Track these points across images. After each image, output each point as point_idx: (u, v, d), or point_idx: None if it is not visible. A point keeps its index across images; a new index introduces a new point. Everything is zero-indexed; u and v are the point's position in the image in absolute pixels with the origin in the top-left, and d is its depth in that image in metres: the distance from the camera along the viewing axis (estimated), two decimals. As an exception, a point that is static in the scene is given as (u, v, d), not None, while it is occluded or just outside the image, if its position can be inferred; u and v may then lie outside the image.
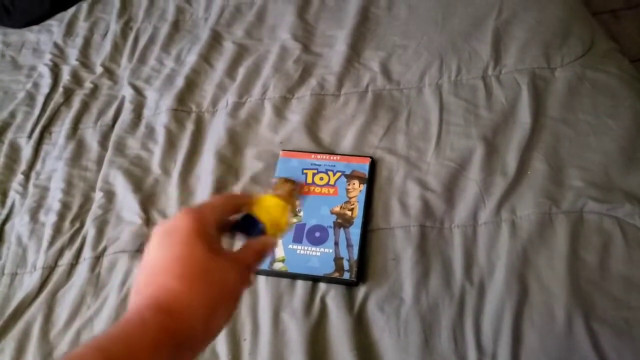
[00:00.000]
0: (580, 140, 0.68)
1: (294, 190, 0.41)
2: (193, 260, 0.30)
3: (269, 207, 0.39)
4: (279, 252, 0.63)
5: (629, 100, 0.72)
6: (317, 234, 0.64)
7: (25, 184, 0.79)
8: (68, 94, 0.92)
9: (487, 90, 0.76)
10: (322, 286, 0.60)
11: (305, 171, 0.70)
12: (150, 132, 0.82)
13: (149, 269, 0.31)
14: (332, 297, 0.59)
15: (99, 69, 0.96)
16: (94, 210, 0.72)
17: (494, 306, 0.56)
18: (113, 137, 0.82)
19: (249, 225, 0.38)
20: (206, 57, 0.92)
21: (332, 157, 0.71)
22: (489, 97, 0.75)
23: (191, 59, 0.92)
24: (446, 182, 0.67)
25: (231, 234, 0.38)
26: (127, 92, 0.89)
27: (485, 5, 0.87)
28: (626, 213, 0.59)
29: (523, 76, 0.76)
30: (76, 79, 0.95)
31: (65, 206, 0.74)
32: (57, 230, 0.71)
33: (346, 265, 0.60)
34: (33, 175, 0.80)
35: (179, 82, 0.88)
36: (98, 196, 0.74)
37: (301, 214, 0.66)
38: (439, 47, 0.84)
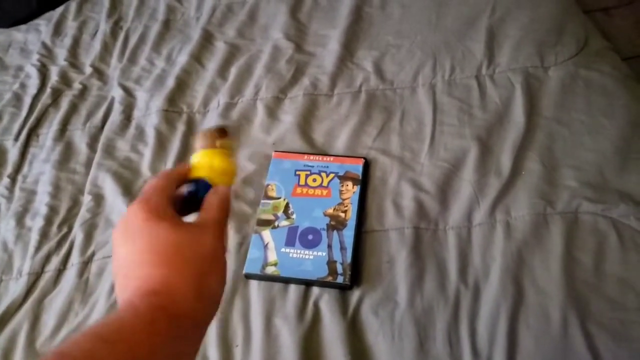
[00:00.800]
0: (574, 140, 0.68)
1: (211, 134, 0.39)
2: (160, 242, 0.30)
3: (198, 162, 0.38)
4: (271, 255, 0.62)
5: (623, 99, 0.72)
6: (310, 237, 0.63)
7: (11, 188, 0.77)
8: (56, 95, 0.90)
9: (480, 90, 0.75)
10: (315, 290, 0.59)
11: (298, 172, 0.69)
12: (140, 133, 0.81)
13: (122, 269, 0.31)
14: (326, 301, 0.58)
15: (88, 70, 0.95)
16: (82, 214, 0.71)
17: (489, 308, 0.55)
18: (102, 139, 0.80)
19: (198, 189, 0.37)
20: (197, 57, 0.91)
21: (325, 158, 0.70)
22: (483, 97, 0.75)
23: (182, 59, 0.91)
24: (440, 183, 0.66)
25: (187, 211, 0.37)
26: (117, 93, 0.88)
27: (479, 4, 0.87)
28: (621, 213, 0.59)
29: (517, 75, 0.76)
30: (65, 80, 0.93)
31: (53, 210, 0.72)
32: (44, 235, 0.70)
33: (339, 268, 0.59)
34: (19, 178, 0.78)
35: (170, 82, 0.87)
36: (86, 200, 0.72)
37: (294, 216, 0.65)
38: (432, 47, 0.83)
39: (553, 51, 0.78)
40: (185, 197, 0.37)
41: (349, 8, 0.93)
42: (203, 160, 0.38)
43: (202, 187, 0.37)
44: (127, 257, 0.31)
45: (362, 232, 0.63)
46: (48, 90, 0.91)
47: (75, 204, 0.73)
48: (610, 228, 0.58)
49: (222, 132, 0.40)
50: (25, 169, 0.79)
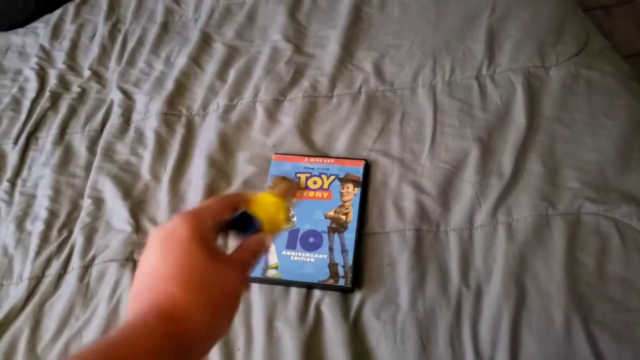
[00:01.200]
0: (576, 140, 0.67)
1: (291, 189, 0.41)
2: (193, 267, 0.30)
3: (265, 204, 0.38)
4: (272, 258, 0.61)
5: (625, 99, 0.71)
6: (311, 240, 0.62)
7: (10, 192, 0.77)
8: (55, 99, 0.90)
9: (481, 90, 0.75)
10: (316, 293, 0.59)
11: (298, 175, 0.69)
12: (140, 136, 0.81)
13: (148, 275, 0.31)
14: (327, 304, 0.58)
15: (86, 73, 0.94)
16: (83, 218, 0.71)
17: (492, 311, 0.55)
18: (101, 142, 0.80)
19: (246, 223, 0.37)
20: (196, 59, 0.91)
21: (325, 160, 0.70)
22: (484, 97, 0.74)
23: (181, 61, 0.90)
24: (441, 184, 0.66)
25: (226, 232, 0.38)
26: (116, 96, 0.88)
27: (479, 3, 0.86)
28: (623, 214, 0.58)
29: (517, 75, 0.75)
30: (63, 83, 0.93)
31: (53, 214, 0.72)
32: (44, 239, 0.69)
33: (341, 271, 0.59)
34: (19, 182, 0.78)
35: (169, 85, 0.86)
36: (86, 203, 0.72)
37: (294, 219, 0.65)
38: (432, 47, 0.83)
39: (554, 51, 0.78)
40: (230, 225, 0.37)
41: (348, 8, 0.92)
42: (271, 207, 0.38)
43: (254, 227, 0.37)
44: (158, 266, 0.31)
45: (363, 235, 0.63)
46: (47, 93, 0.90)
47: (75, 208, 0.73)
48: (612, 229, 0.58)
49: (297, 190, 0.42)
50: (24, 173, 0.79)
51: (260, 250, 0.36)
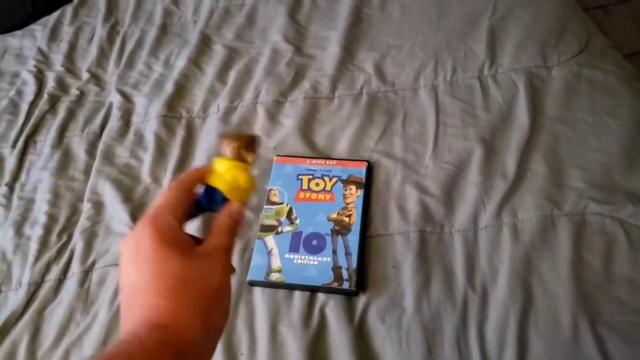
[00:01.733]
0: (579, 140, 0.67)
1: (243, 145, 0.38)
2: (168, 272, 0.30)
3: (222, 172, 0.36)
4: (275, 262, 0.61)
5: (628, 98, 0.71)
6: (314, 242, 0.62)
7: (9, 196, 0.76)
8: (53, 101, 0.89)
9: (483, 91, 0.75)
10: (320, 296, 0.58)
11: (300, 177, 0.68)
12: (140, 139, 0.80)
13: (128, 293, 0.30)
14: (332, 308, 0.57)
15: (85, 75, 0.93)
16: (82, 222, 0.70)
17: (498, 313, 0.54)
18: (101, 145, 0.79)
19: (211, 199, 0.36)
20: (196, 61, 0.90)
21: (327, 162, 0.70)
22: (486, 98, 0.74)
23: (180, 63, 0.90)
24: (445, 185, 0.65)
25: (198, 213, 0.36)
26: (115, 99, 0.87)
27: (480, 3, 0.86)
28: (629, 214, 0.58)
29: (519, 75, 0.75)
30: (61, 86, 0.92)
31: (52, 218, 0.71)
32: (44, 244, 0.68)
33: (345, 274, 0.59)
34: (17, 186, 0.77)
35: (169, 87, 0.86)
36: (86, 207, 0.71)
37: (297, 221, 0.64)
38: (433, 47, 0.82)
39: (555, 51, 0.77)
40: (198, 204, 0.36)
41: (348, 9, 0.92)
42: (228, 174, 0.36)
43: (219, 200, 0.36)
44: (134, 283, 0.30)
45: (367, 237, 0.62)
46: (45, 96, 0.90)
47: (74, 212, 0.72)
48: (618, 229, 0.58)
49: (251, 144, 0.39)
50: (23, 177, 0.78)
51: (233, 224, 0.35)
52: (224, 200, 0.36)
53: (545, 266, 0.56)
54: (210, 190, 0.36)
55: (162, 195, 0.34)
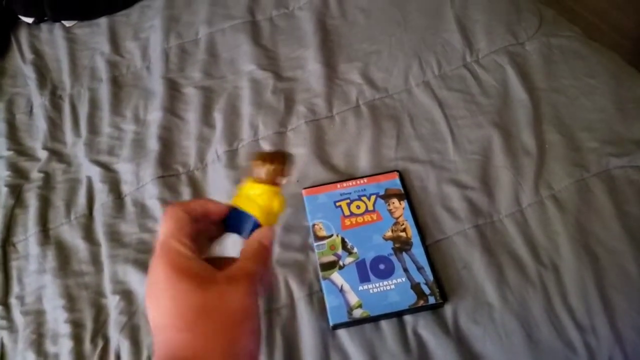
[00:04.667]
0: (575, 104, 0.73)
1: (277, 167, 0.36)
2: (183, 304, 0.29)
3: (253, 195, 0.35)
4: (352, 298, 0.58)
5: (594, 57, 0.79)
6: (382, 267, 0.60)
7: (7, 316, 0.64)
8: (16, 193, 0.76)
9: (474, 77, 0.78)
10: (408, 319, 0.57)
11: (338, 204, 0.66)
12: (142, 209, 0.72)
13: (153, 330, 0.30)
14: (424, 327, 0.56)
15: (42, 154, 0.81)
16: (116, 318, 0.61)
17: (574, 281, 0.57)
18: (99, 227, 0.70)
19: (239, 222, 0.34)
20: (171, 110, 0.83)
21: (359, 182, 0.68)
22: (480, 83, 0.77)
23: (154, 116, 0.82)
24: (479, 175, 0.67)
25: (223, 234, 0.35)
26: (92, 171, 0.77)
27: (437, -4, 0.89)
28: (644, 160, 0.64)
29: (501, 56, 0.79)
30: (19, 172, 0.79)
31: (77, 325, 0.61)
32: (79, 357, 0.59)
33: (426, 289, 0.58)
34: (14, 302, 0.65)
35: (152, 145, 0.78)
36: (113, 301, 0.62)
37: (355, 250, 0.62)
38: (411, 46, 0.84)
39: (520, 27, 0.83)
40: (227, 227, 0.35)
41: (312, 24, 0.91)
42: (261, 198, 0.35)
43: (250, 225, 0.34)
44: (154, 320, 0.30)
45: (428, 246, 0.62)
46: (3, 189, 0.77)
47: (100, 310, 0.62)
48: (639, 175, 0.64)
49: (285, 164, 0.37)
50: (16, 288, 0.66)
51: (262, 250, 0.34)
52: (256, 224, 0.35)
53: (596, 227, 0.61)
54: (240, 214, 0.34)
55: (164, 221, 0.32)
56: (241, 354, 0.29)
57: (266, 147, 0.76)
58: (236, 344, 0.29)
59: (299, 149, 0.74)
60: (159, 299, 0.29)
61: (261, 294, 0.32)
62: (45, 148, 0.82)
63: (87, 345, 0.60)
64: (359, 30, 0.89)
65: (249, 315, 0.30)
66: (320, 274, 0.61)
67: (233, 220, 0.34)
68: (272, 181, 0.36)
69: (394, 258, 0.61)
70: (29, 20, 1.00)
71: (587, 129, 0.69)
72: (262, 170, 0.36)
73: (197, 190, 0.73)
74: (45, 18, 0.99)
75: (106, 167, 0.78)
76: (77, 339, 0.60)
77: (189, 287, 0.29)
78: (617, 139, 0.68)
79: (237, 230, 0.35)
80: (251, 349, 0.30)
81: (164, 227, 0.32)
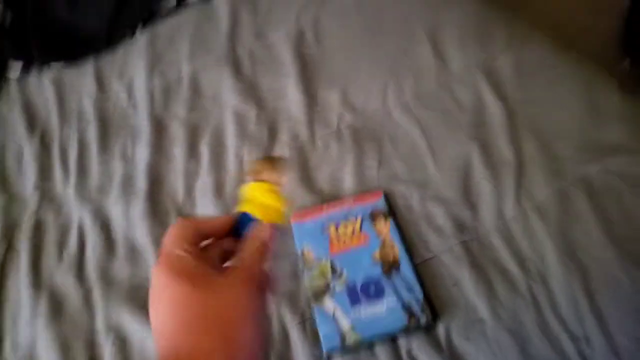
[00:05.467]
0: (549, 114, 0.74)
1: (276, 167, 0.38)
2: (180, 306, 0.29)
3: (252, 196, 0.37)
4: (345, 322, 0.58)
5: (563, 66, 0.81)
6: (372, 289, 0.61)
7: (2, 365, 0.64)
8: (7, 239, 0.77)
9: (450, 94, 0.80)
10: (401, 341, 0.58)
11: (325, 228, 0.67)
12: (133, 248, 0.72)
13: (155, 338, 0.30)
14: (418, 348, 0.57)
15: (32, 198, 0.82)
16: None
17: (564, 292, 0.58)
18: (92, 272, 0.70)
19: (245, 226, 0.35)
20: (158, 147, 0.84)
21: (345, 203, 0.69)
22: (455, 99, 0.79)
23: (141, 153, 0.83)
24: (462, 191, 0.68)
25: (236, 238, 0.36)
26: (83, 213, 0.78)
27: (405, 15, 0.91)
28: (621, 164, 0.66)
29: (474, 71, 0.81)
30: (10, 218, 0.80)
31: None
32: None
33: (416, 309, 0.58)
34: (7, 350, 0.65)
35: (141, 183, 0.79)
36: (109, 350, 0.62)
37: (345, 273, 0.62)
38: (387, 69, 0.86)
39: (490, 41, 0.85)
40: (235, 231, 0.36)
41: (290, 54, 0.93)
42: (257, 196, 0.36)
43: (251, 224, 0.35)
44: (156, 328, 0.30)
45: (417, 265, 0.63)
46: (-5, 237, 0.77)
47: (95, 357, 0.62)
48: (616, 180, 0.65)
49: (277, 165, 0.39)
50: (8, 337, 0.66)
51: (259, 244, 0.34)
52: (252, 221, 0.36)
53: (580, 235, 0.61)
54: (244, 217, 0.36)
55: (169, 232, 0.33)
56: (241, 354, 0.28)
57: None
58: (235, 341, 0.28)
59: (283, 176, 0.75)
60: (160, 304, 0.30)
61: (270, 292, 0.33)
62: (35, 192, 0.83)
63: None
64: (335, 57, 0.91)
65: (248, 315, 0.30)
66: (312, 300, 0.61)
67: (241, 225, 0.35)
68: (273, 180, 0.37)
69: (383, 279, 0.61)
70: (18, 64, 1.02)
71: (563, 137, 0.71)
72: (262, 170, 0.37)
73: (186, 225, 0.74)
74: (34, 60, 1.02)
75: (96, 207, 0.79)
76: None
77: (187, 289, 0.29)
78: (592, 145, 0.69)
79: (243, 231, 0.35)
80: (251, 344, 0.29)
81: (167, 237, 0.33)
